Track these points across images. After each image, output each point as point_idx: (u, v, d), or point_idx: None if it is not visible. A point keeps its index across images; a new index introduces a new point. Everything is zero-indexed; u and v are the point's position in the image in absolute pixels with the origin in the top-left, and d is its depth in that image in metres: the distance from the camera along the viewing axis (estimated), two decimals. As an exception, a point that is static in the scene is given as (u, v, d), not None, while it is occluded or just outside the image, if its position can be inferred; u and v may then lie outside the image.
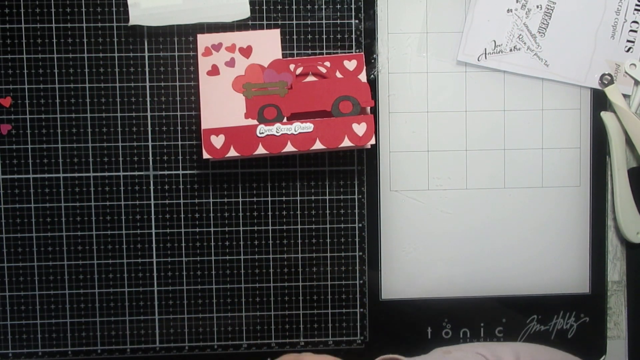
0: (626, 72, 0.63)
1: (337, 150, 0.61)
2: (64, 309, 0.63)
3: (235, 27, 0.61)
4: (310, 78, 0.61)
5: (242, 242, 0.63)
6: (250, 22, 0.62)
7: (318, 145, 0.58)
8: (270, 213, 0.63)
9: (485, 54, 0.63)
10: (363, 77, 0.60)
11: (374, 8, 0.62)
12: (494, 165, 0.64)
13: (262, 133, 0.58)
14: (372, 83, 0.63)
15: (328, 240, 0.63)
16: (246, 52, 0.60)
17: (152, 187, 0.62)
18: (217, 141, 0.58)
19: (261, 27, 0.62)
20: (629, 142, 0.64)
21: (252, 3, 0.61)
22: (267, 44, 0.60)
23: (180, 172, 0.62)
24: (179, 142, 0.62)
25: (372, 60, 0.63)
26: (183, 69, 0.62)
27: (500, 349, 0.59)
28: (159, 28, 0.61)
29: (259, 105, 0.59)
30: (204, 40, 0.60)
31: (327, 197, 0.63)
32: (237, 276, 0.63)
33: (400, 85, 0.63)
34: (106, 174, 0.62)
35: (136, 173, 0.62)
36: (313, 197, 0.63)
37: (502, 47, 0.63)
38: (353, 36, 0.62)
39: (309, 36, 0.62)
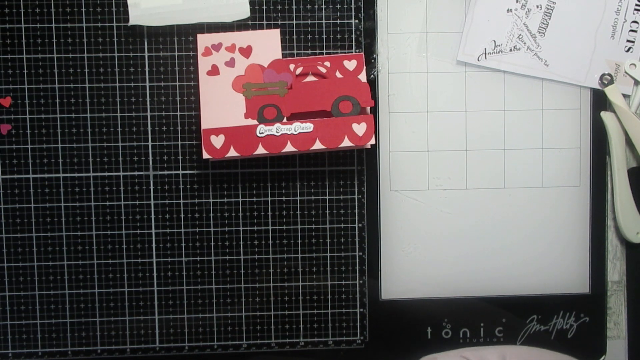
0: (626, 72, 0.63)
1: (337, 150, 0.61)
2: (64, 309, 0.63)
3: (235, 27, 0.61)
4: (310, 78, 0.61)
5: (242, 242, 0.63)
6: (250, 22, 0.62)
7: (318, 145, 0.58)
8: (270, 213, 0.63)
9: (485, 54, 0.63)
10: (363, 77, 0.60)
11: (374, 8, 0.63)
12: (494, 165, 0.64)
13: (262, 133, 0.58)
14: (372, 83, 0.63)
15: (328, 240, 0.63)
16: (246, 52, 0.60)
17: (152, 187, 0.62)
18: (217, 141, 0.58)
19: (261, 27, 0.62)
20: (629, 142, 0.64)
21: (252, 3, 0.61)
22: (267, 44, 0.60)
23: (180, 172, 0.62)
24: (179, 142, 0.62)
25: (372, 60, 0.63)
26: (183, 69, 0.62)
27: (486, 351, 0.60)
28: (159, 28, 0.61)
29: (259, 105, 0.59)
30: (204, 40, 0.60)
31: (327, 197, 0.63)
32: (237, 276, 0.63)
33: (400, 85, 0.63)
34: (106, 174, 0.62)
35: (136, 173, 0.62)
36: (313, 197, 0.63)
37: (502, 47, 0.63)
38: (353, 36, 0.62)
39: (309, 36, 0.62)
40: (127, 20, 0.60)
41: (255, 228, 0.63)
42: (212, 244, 0.63)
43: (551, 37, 0.63)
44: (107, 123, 0.62)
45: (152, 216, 0.62)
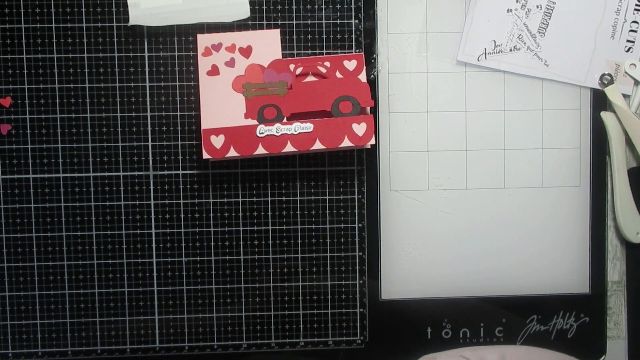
0: (626, 72, 0.63)
1: (337, 150, 0.61)
2: (64, 309, 0.63)
3: (235, 27, 0.61)
4: (310, 78, 0.61)
5: (242, 242, 0.63)
6: (250, 22, 0.62)
7: (318, 145, 0.58)
8: (270, 213, 0.63)
9: (485, 54, 0.63)
10: (363, 77, 0.60)
11: (374, 8, 0.63)
12: (494, 165, 0.64)
13: (262, 133, 0.58)
14: (372, 83, 0.63)
15: (328, 240, 0.63)
16: (246, 52, 0.60)
17: (152, 187, 0.62)
18: (217, 141, 0.58)
19: (261, 27, 0.62)
20: (629, 142, 0.64)
21: (252, 3, 0.61)
22: (267, 44, 0.60)
23: (180, 172, 0.62)
24: (179, 142, 0.62)
25: (372, 60, 0.63)
26: (183, 69, 0.62)
27: (485, 351, 0.60)
28: (159, 28, 0.61)
29: (259, 105, 0.59)
30: (203, 40, 0.60)
31: (327, 197, 0.63)
32: (237, 276, 0.63)
33: (400, 85, 0.63)
34: (106, 174, 0.62)
35: (136, 173, 0.62)
36: (313, 197, 0.63)
37: (502, 47, 0.63)
38: (353, 36, 0.62)
39: (309, 36, 0.62)
40: (127, 20, 0.60)
41: (255, 228, 0.63)
42: (212, 244, 0.63)
43: (551, 37, 0.63)
44: (107, 123, 0.62)
45: (152, 216, 0.62)
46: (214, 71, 0.60)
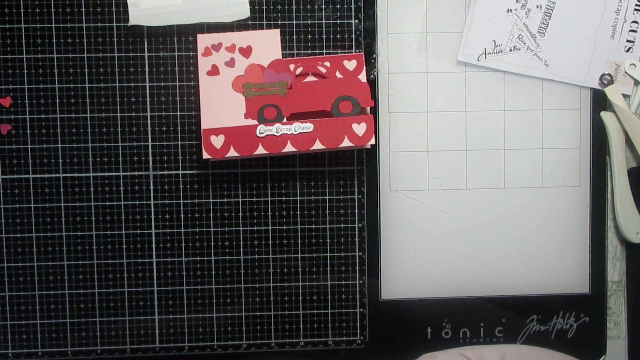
0: (626, 72, 0.63)
1: (337, 150, 0.61)
2: (64, 309, 0.63)
3: (235, 27, 0.61)
4: (310, 78, 0.61)
5: (242, 242, 0.63)
6: (250, 22, 0.62)
7: (318, 145, 0.58)
8: (270, 213, 0.63)
9: (485, 54, 0.63)
10: (363, 77, 0.60)
11: (374, 8, 0.63)
12: (494, 165, 0.64)
13: (262, 133, 0.58)
14: (372, 83, 0.63)
15: (328, 240, 0.63)
16: (246, 52, 0.60)
17: (152, 187, 0.62)
18: (217, 141, 0.58)
19: (261, 27, 0.62)
20: (629, 142, 0.64)
21: (252, 3, 0.61)
22: (267, 44, 0.60)
23: (180, 172, 0.62)
24: (179, 142, 0.62)
25: (372, 60, 0.63)
26: (183, 69, 0.62)
27: (485, 350, 0.60)
28: (159, 28, 0.61)
29: (259, 105, 0.59)
30: (203, 40, 0.60)
31: (327, 197, 0.63)
32: (237, 276, 0.63)
33: (400, 85, 0.63)
34: (106, 174, 0.62)
35: (136, 173, 0.62)
36: (313, 197, 0.63)
37: (502, 47, 0.63)
38: (353, 36, 0.62)
39: (309, 36, 0.62)
40: (127, 20, 0.60)
41: (255, 228, 0.63)
42: (212, 244, 0.63)
43: (551, 37, 0.63)
44: (107, 123, 0.62)
45: (152, 216, 0.62)
46: (214, 71, 0.60)
